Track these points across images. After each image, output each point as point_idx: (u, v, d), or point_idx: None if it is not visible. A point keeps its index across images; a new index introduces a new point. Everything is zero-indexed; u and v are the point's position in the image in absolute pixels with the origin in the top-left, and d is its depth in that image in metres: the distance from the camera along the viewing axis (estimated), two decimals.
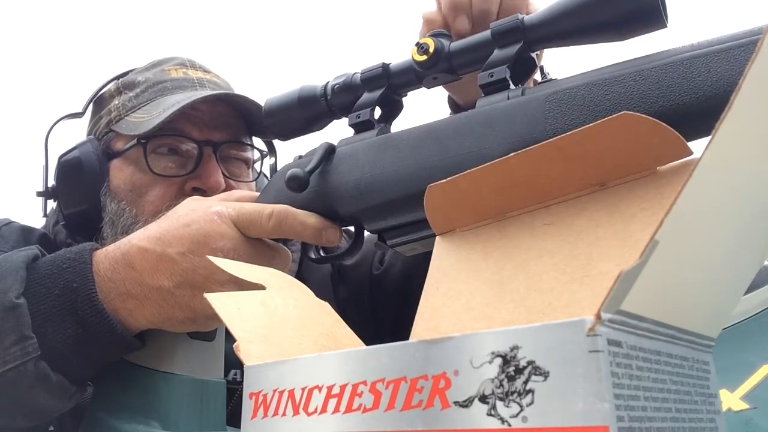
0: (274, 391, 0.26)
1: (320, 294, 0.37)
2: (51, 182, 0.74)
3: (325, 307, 0.37)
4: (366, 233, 0.55)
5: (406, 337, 0.28)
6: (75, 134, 0.79)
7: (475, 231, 0.34)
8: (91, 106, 0.78)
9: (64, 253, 0.51)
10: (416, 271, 0.74)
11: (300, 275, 0.75)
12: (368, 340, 0.32)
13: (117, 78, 0.78)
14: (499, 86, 0.45)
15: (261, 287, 0.34)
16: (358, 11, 1.93)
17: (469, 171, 0.32)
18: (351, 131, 0.53)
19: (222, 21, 2.13)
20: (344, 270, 0.82)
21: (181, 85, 0.74)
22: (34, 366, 0.47)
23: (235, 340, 0.28)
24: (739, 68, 0.36)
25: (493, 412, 0.19)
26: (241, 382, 0.61)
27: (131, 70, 0.78)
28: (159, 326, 0.51)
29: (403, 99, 0.55)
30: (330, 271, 0.82)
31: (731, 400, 0.35)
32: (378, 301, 0.79)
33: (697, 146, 0.26)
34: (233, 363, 0.63)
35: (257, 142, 0.78)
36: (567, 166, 0.30)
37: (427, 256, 0.37)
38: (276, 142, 0.81)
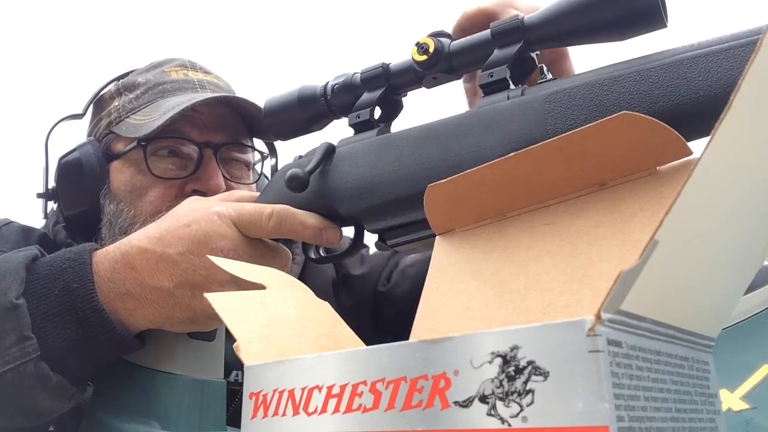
0: (274, 391, 0.26)
1: (321, 299, 0.37)
2: (51, 184, 0.74)
3: (325, 307, 0.37)
4: (373, 247, 0.55)
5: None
6: (75, 136, 0.79)
7: (475, 231, 0.34)
8: (91, 107, 0.78)
9: (64, 254, 0.51)
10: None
11: (302, 278, 0.75)
12: (368, 343, 0.32)
13: (117, 79, 0.78)
14: (499, 86, 0.45)
15: (261, 287, 0.34)
16: (358, 11, 1.93)
17: (469, 171, 0.32)
18: (351, 131, 0.53)
19: (222, 21, 2.13)
20: (350, 280, 0.82)
21: (181, 87, 0.74)
22: (33, 366, 0.47)
23: (235, 340, 0.28)
24: (739, 68, 0.36)
25: (493, 412, 0.19)
26: (243, 384, 0.61)
27: (131, 71, 0.78)
28: (159, 326, 0.51)
29: (403, 99, 0.55)
30: (333, 277, 0.82)
31: (731, 400, 0.35)
32: (380, 318, 0.79)
33: (697, 146, 0.26)
34: (235, 364, 0.63)
35: (258, 143, 0.78)
36: (567, 166, 0.30)
37: None
38: (276, 143, 0.81)
